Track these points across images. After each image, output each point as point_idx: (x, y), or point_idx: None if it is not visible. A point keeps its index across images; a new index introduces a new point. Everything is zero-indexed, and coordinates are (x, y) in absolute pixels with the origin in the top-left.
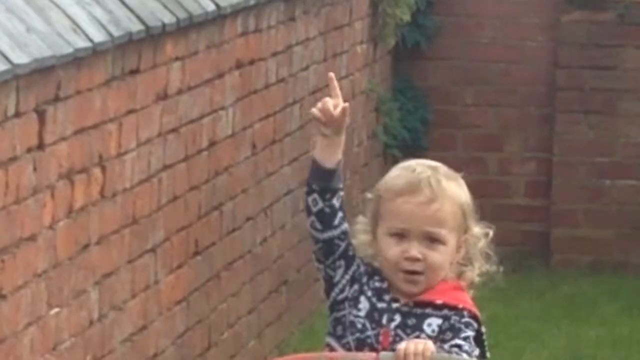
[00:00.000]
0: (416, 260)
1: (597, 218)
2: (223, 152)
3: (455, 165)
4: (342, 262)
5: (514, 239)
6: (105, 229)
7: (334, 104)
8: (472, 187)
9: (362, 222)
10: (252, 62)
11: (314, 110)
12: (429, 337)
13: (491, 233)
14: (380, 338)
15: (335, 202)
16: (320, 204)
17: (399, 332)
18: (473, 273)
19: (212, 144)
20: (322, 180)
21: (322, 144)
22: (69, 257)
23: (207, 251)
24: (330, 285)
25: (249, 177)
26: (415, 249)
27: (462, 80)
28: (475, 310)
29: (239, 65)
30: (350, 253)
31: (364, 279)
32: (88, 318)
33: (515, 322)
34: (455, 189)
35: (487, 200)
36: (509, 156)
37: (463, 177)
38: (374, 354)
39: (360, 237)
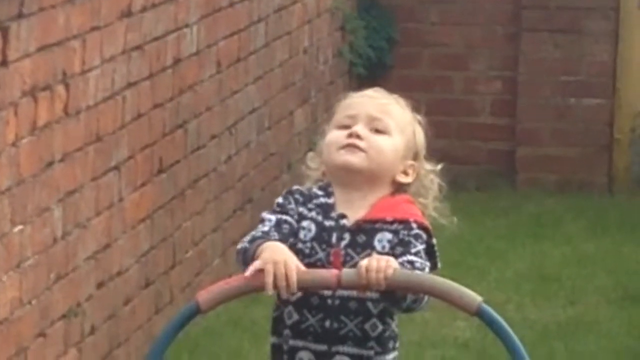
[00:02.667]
0: (358, 137)
1: (562, 137)
2: (187, 70)
3: (421, 83)
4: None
5: (479, 157)
6: (68, 147)
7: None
8: (438, 106)
9: (310, 157)
10: None
11: (268, 270)
12: (380, 253)
13: (439, 167)
14: (331, 259)
15: None
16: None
17: (350, 251)
18: (427, 210)
19: (177, 61)
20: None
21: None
22: (32, 175)
23: (172, 169)
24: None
25: (213, 95)
26: (360, 128)
27: None
28: (424, 221)
29: None
30: (287, 230)
31: (303, 205)
32: (52, 236)
33: (480, 241)
34: (408, 110)
35: (452, 119)
36: (474, 75)
37: (429, 96)
38: (335, 271)
39: (311, 173)
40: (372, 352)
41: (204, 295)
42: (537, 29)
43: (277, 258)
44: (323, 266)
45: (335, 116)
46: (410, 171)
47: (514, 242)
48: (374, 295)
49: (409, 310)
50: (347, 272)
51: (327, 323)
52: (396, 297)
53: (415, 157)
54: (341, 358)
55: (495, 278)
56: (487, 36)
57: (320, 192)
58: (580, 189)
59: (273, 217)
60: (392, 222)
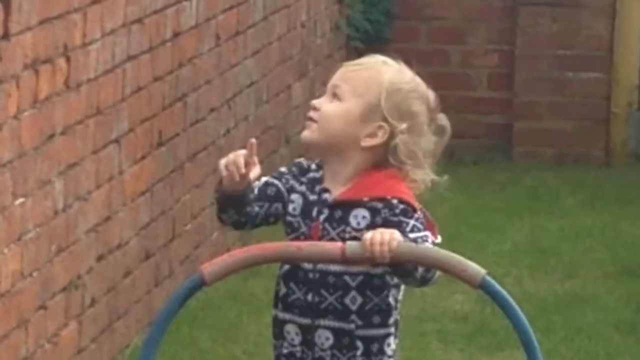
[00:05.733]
0: (314, 108)
1: (559, 111)
2: (187, 43)
3: (418, 57)
4: (278, 205)
5: (477, 131)
6: (69, 120)
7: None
8: (435, 80)
9: None
10: None
11: (221, 166)
12: (355, 230)
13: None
14: (311, 232)
15: (250, 209)
16: (235, 217)
17: (327, 225)
18: (418, 176)
19: (176, 34)
20: (231, 204)
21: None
22: (33, 147)
23: (171, 142)
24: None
25: (212, 69)
26: (318, 100)
27: None
28: (407, 197)
29: None
30: (273, 193)
31: (293, 181)
32: (53, 208)
33: (478, 214)
34: (390, 72)
35: (449, 92)
36: (471, 48)
37: (426, 69)
38: (339, 244)
39: None
40: (353, 326)
41: (208, 268)
42: (534, 2)
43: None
44: (306, 239)
45: None
46: (379, 133)
47: (511, 215)
48: (387, 269)
49: (424, 282)
50: (351, 244)
51: (310, 296)
52: (407, 269)
53: (385, 119)
54: (323, 332)
55: (493, 251)
56: (484, 9)
57: (314, 167)
58: (577, 163)
59: (265, 178)
60: (369, 200)
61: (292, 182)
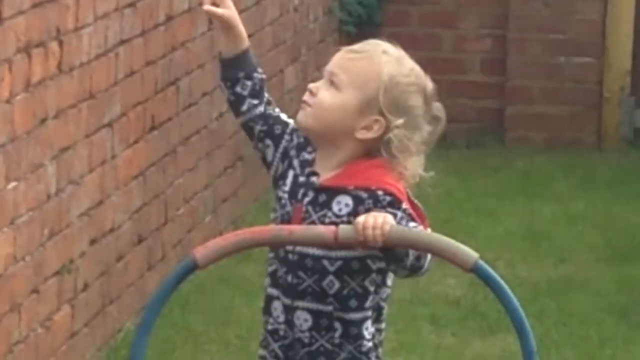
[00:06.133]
0: (310, 92)
1: (552, 95)
2: (180, 27)
3: (410, 41)
4: (269, 142)
5: (469, 115)
6: (62, 103)
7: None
8: (427, 64)
9: None
10: None
11: (205, 6)
12: (337, 216)
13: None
14: (294, 214)
15: (240, 89)
16: (226, 92)
17: (309, 208)
18: (408, 169)
19: (169, 18)
20: (223, 69)
21: (220, 34)
22: (26, 131)
23: (164, 126)
24: (265, 164)
25: (205, 53)
26: (315, 84)
27: None
28: (392, 188)
29: None
30: (277, 132)
31: (293, 152)
32: (45, 192)
33: (470, 198)
34: (389, 65)
35: (442, 77)
36: (464, 33)
37: (418, 54)
38: (332, 227)
39: None
40: (330, 308)
41: (201, 251)
42: None
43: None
44: (289, 221)
45: None
46: (375, 127)
47: (503, 199)
48: (377, 253)
49: (414, 270)
50: (344, 228)
51: (290, 277)
52: (398, 255)
53: (382, 113)
54: (302, 313)
55: (485, 236)
56: None
57: (310, 148)
58: (569, 147)
59: (283, 116)
60: (354, 188)
61: (292, 152)
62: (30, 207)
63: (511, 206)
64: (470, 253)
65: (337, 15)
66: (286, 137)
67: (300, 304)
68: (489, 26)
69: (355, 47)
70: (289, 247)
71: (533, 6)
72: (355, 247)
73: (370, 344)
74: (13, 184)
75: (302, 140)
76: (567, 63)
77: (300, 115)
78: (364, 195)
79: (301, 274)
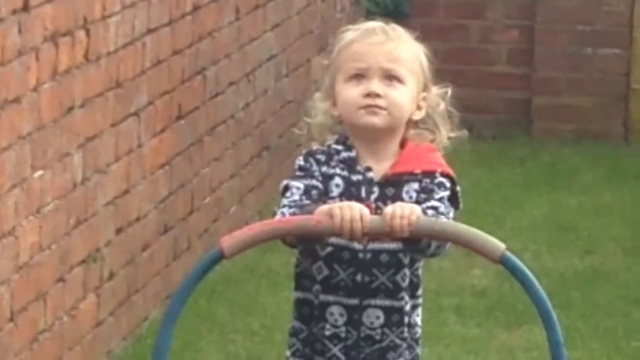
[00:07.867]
0: (377, 95)
1: (578, 86)
2: (207, 17)
3: (437, 32)
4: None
5: (496, 106)
6: (89, 92)
7: None
8: (455, 55)
9: (318, 97)
10: None
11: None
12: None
13: (449, 92)
14: None
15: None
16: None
17: (380, 204)
18: (441, 137)
19: (196, 8)
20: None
21: None
22: (53, 120)
23: (190, 115)
24: None
25: (232, 42)
26: (376, 85)
27: None
28: (449, 170)
29: None
30: (320, 186)
31: (325, 164)
32: (71, 181)
33: (497, 189)
34: (412, 41)
35: (469, 67)
36: (491, 23)
37: (445, 45)
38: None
39: (318, 117)
40: (403, 302)
41: (227, 241)
42: None
43: (350, 203)
44: None
45: (340, 60)
46: (423, 104)
47: (530, 191)
48: (399, 244)
49: (433, 255)
50: (371, 219)
51: (359, 277)
52: (421, 246)
53: (425, 87)
54: (373, 311)
55: (512, 227)
56: None
57: (340, 147)
58: (596, 139)
59: (300, 185)
60: (419, 174)
61: (323, 169)
62: (56, 195)
63: (538, 197)
64: (497, 244)
65: (364, 5)
66: (316, 172)
67: (372, 302)
68: (516, 17)
69: (376, 36)
70: (358, 247)
71: None
72: (382, 237)
73: (421, 330)
74: (39, 172)
75: (321, 156)
76: (594, 54)
77: (376, 120)
78: (425, 177)
79: (375, 271)
